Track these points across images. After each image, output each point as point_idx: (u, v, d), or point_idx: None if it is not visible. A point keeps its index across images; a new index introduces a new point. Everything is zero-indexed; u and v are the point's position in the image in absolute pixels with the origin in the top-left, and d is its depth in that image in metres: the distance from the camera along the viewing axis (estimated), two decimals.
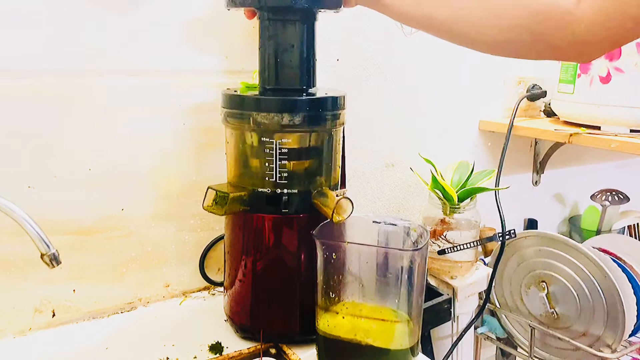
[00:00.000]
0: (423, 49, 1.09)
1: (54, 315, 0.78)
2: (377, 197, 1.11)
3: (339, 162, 0.76)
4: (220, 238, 0.89)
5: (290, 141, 0.68)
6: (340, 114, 0.72)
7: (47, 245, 0.57)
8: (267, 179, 0.69)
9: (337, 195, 0.69)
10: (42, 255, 0.57)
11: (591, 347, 0.99)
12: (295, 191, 0.70)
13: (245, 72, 0.86)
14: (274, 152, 0.68)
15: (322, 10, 0.70)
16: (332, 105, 0.71)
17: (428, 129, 1.15)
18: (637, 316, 0.99)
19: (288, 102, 0.68)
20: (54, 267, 0.58)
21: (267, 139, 0.68)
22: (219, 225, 0.89)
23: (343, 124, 0.74)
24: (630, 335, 1.02)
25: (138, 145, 0.80)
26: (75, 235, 0.77)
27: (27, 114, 0.72)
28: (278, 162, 0.69)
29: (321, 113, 0.70)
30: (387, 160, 1.10)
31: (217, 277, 0.90)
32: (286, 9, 0.68)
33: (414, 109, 1.12)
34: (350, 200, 0.69)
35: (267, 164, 0.69)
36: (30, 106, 0.72)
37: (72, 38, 0.73)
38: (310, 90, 0.72)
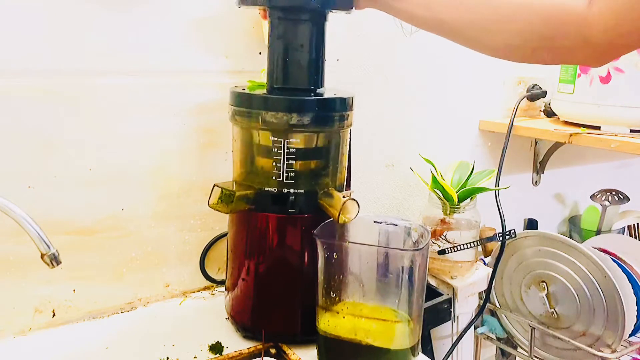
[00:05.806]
0: (423, 49, 1.09)
1: (54, 315, 0.78)
2: (377, 197, 1.10)
3: (345, 164, 0.76)
4: (220, 237, 0.89)
5: (299, 141, 0.68)
6: (348, 115, 0.72)
7: (47, 245, 0.57)
8: (273, 178, 0.69)
9: (343, 197, 0.69)
10: (42, 255, 0.57)
11: (591, 347, 0.99)
12: (302, 191, 0.70)
13: (245, 72, 0.86)
14: (282, 151, 0.68)
15: (334, 11, 0.70)
16: (341, 106, 0.70)
17: (428, 129, 1.15)
18: (637, 316, 0.99)
19: (297, 101, 0.68)
20: (54, 267, 0.58)
21: (275, 138, 0.68)
22: (219, 225, 0.89)
23: (351, 125, 0.74)
24: (630, 335, 1.02)
25: (138, 145, 0.80)
26: (75, 235, 0.77)
27: (27, 114, 0.71)
28: (285, 162, 0.68)
29: (330, 114, 0.70)
30: (387, 160, 1.10)
31: (217, 277, 0.90)
32: (297, 9, 0.67)
33: (414, 109, 1.11)
34: (357, 201, 0.68)
35: (274, 163, 0.69)
36: (30, 106, 0.71)
37: (72, 38, 0.73)
38: (318, 91, 0.71)
